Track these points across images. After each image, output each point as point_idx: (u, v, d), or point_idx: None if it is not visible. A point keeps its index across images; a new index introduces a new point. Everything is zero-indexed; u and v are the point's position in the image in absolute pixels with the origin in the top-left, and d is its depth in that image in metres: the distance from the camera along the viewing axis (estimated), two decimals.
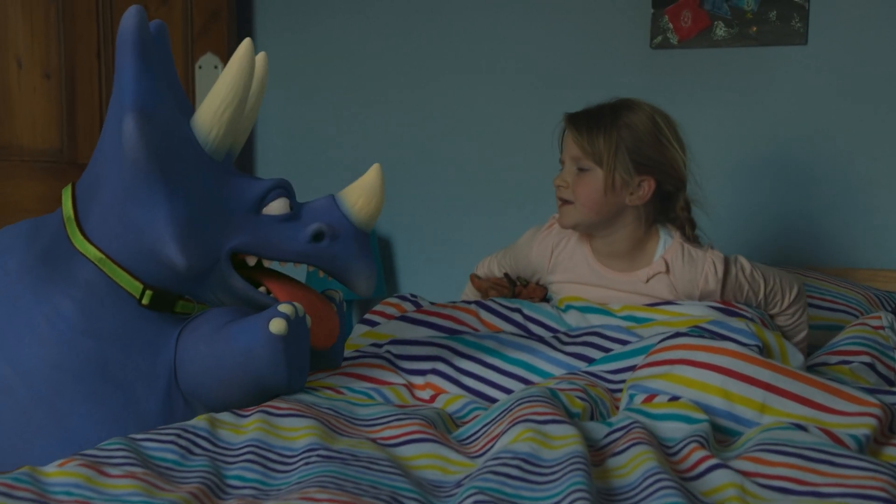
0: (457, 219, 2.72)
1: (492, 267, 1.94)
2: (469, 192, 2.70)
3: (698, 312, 1.64)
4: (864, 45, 2.31)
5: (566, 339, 1.58)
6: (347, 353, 1.53)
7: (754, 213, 2.43)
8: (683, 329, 1.49)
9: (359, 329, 1.72)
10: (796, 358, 1.49)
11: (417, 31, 2.72)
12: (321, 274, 1.35)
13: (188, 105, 1.35)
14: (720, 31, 2.40)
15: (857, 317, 1.92)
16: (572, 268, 1.77)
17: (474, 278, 1.93)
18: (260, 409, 1.20)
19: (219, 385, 1.24)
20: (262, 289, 1.34)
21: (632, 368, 1.45)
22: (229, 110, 1.25)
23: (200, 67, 2.66)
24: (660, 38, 2.46)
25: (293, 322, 1.22)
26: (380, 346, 1.54)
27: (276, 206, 1.29)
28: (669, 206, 1.73)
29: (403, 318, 1.67)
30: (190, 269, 1.22)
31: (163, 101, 1.23)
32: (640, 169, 1.66)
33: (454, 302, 1.75)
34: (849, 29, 2.32)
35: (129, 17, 1.20)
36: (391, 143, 2.76)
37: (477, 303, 1.71)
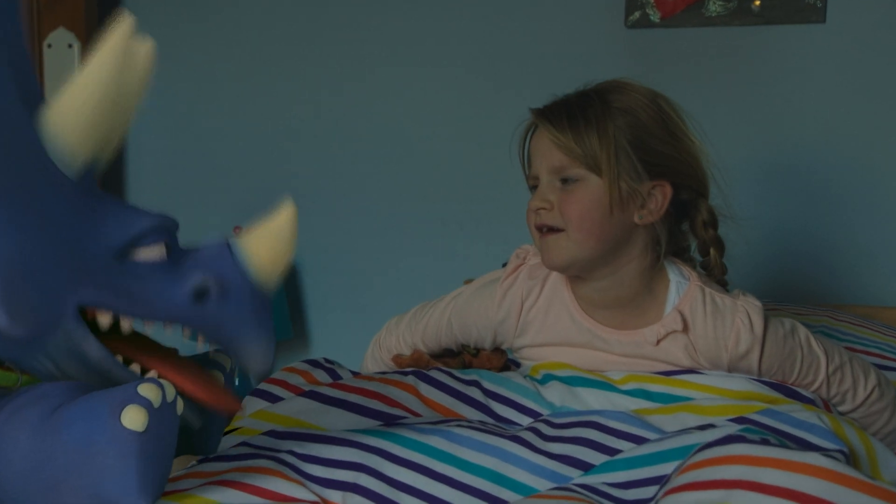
0: (384, 242, 2.59)
1: (405, 340, 1.65)
2: (400, 209, 2.57)
3: (737, 387, 1.37)
4: None
5: (549, 433, 1.30)
6: (231, 444, 1.31)
7: (757, 234, 2.22)
8: (734, 428, 1.19)
9: (251, 405, 1.47)
10: (890, 466, 1.19)
11: (334, 10, 2.58)
12: (201, 341, 1.18)
13: (40, 101, 1.20)
14: (714, 5, 2.31)
15: None
16: (550, 325, 1.48)
17: (399, 358, 1.64)
18: None
19: (46, 492, 1.05)
20: (119, 357, 1.17)
21: (652, 482, 1.17)
22: (98, 109, 1.11)
23: (50, 46, 2.49)
24: (637, 14, 2.36)
25: (156, 412, 1.04)
26: (280, 436, 1.30)
27: (148, 252, 1.16)
28: (681, 229, 1.46)
29: (313, 395, 1.41)
30: (15, 330, 1.05)
31: None
32: (651, 171, 1.40)
33: (384, 373, 1.50)
34: (878, 3, 2.19)
35: None
36: (300, 149, 2.63)
37: (416, 373, 1.45)
